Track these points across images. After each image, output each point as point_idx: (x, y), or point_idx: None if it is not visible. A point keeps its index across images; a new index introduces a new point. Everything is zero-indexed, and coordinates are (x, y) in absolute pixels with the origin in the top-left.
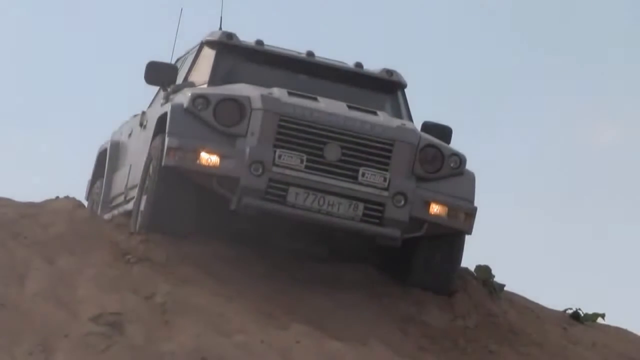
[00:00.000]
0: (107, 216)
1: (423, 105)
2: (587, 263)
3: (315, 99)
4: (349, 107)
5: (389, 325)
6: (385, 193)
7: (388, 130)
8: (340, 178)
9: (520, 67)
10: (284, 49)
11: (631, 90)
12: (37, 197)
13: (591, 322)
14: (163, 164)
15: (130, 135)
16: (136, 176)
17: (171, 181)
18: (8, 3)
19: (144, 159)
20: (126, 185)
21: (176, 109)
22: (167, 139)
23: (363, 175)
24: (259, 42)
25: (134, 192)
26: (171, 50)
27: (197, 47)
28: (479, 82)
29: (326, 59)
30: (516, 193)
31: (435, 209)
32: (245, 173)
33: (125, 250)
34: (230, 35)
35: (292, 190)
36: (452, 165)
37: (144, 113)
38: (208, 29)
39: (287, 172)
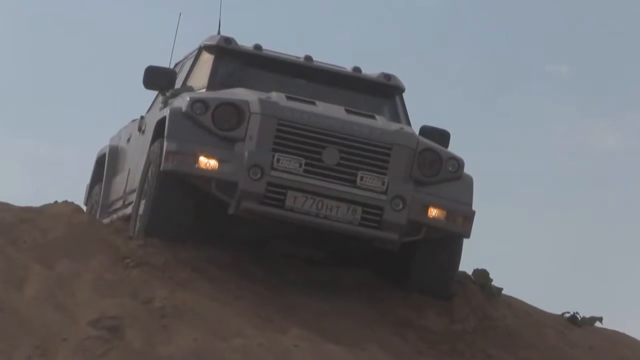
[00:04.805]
0: (105, 220)
1: (421, 109)
2: (585, 267)
3: (313, 103)
4: (347, 111)
5: (387, 329)
6: (384, 197)
7: (386, 134)
8: (339, 182)
9: (520, 70)
10: (282, 54)
11: (631, 95)
12: (36, 201)
13: (589, 326)
14: (162, 168)
15: (129, 139)
16: (135, 180)
17: (170, 185)
18: (9, 7)
19: (143, 163)
20: (125, 189)
21: (175, 113)
22: (165, 143)
23: (361, 179)
24: (258, 47)
25: (133, 197)
26: (170, 54)
27: (196, 52)
28: (479, 85)
29: (324, 63)
30: (514, 197)
31: (433, 212)
32: (243, 177)
33: (124, 254)
34: (228, 40)
35: (291, 194)
36: (450, 169)
37: (142, 118)
38: (206, 33)
39: (286, 176)
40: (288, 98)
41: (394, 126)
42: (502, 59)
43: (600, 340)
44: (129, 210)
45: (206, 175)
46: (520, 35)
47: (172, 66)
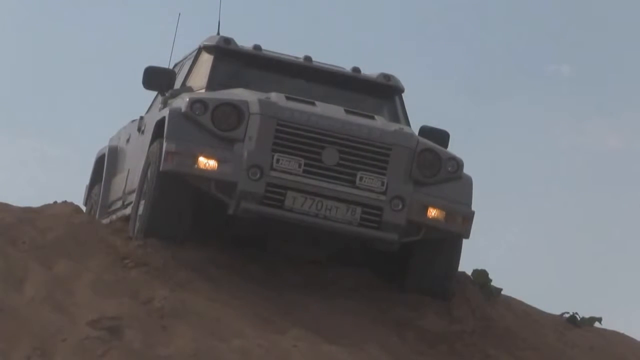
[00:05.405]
0: (105, 221)
1: (421, 109)
2: (584, 267)
3: (312, 104)
4: (347, 111)
5: (386, 329)
6: (383, 197)
7: (385, 134)
8: (338, 182)
9: (520, 70)
10: (282, 54)
11: (632, 95)
12: (36, 202)
13: (588, 326)
14: (161, 168)
15: (128, 140)
16: (134, 181)
17: (169, 186)
18: (9, 7)
19: (142, 163)
20: (124, 190)
21: (174, 113)
22: (165, 144)
23: (361, 179)
24: (257, 47)
25: (132, 197)
26: (169, 55)
27: (195, 52)
28: (479, 85)
29: (324, 63)
30: (513, 197)
31: (432, 213)
32: (243, 177)
33: (123, 255)
34: (228, 40)
35: (290, 194)
36: (449, 169)
37: (142, 118)
38: (206, 33)
39: (285, 176)
40: (287, 98)
41: (394, 126)
42: (502, 59)
43: (599, 340)
44: (128, 210)
45: (205, 176)
46: (520, 35)
47: (171, 66)
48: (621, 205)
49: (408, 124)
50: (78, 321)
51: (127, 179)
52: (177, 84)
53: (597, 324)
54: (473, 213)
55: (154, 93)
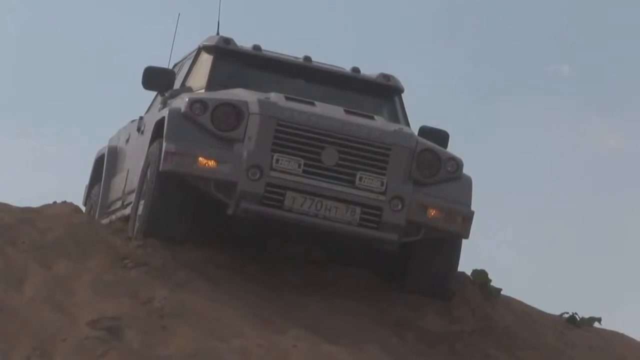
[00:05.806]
0: (104, 221)
1: (421, 110)
2: (584, 267)
3: (312, 104)
4: (346, 111)
5: (386, 329)
6: (383, 197)
7: (385, 134)
8: (338, 182)
9: (520, 70)
10: (282, 54)
11: (632, 94)
12: (35, 202)
13: (588, 326)
14: (160, 168)
15: (127, 140)
16: (134, 181)
17: (169, 186)
18: (9, 7)
19: (142, 163)
20: (124, 190)
21: (174, 113)
22: (164, 144)
23: (360, 179)
24: (257, 47)
25: (132, 197)
26: (169, 55)
27: (195, 52)
28: (479, 85)
29: (323, 63)
30: (513, 197)
31: (432, 213)
32: (242, 177)
33: (122, 255)
34: (227, 40)
35: (290, 194)
36: (449, 169)
37: (141, 118)
38: (206, 33)
39: (285, 176)
40: (287, 98)
41: (393, 127)
42: (502, 59)
43: (599, 340)
44: (127, 210)
45: (205, 176)
46: (520, 35)
47: (171, 67)
48: (621, 205)
49: (408, 124)
50: (78, 321)
51: (126, 179)
52: (177, 84)
53: (596, 324)
54: (473, 213)
55: (154, 93)
